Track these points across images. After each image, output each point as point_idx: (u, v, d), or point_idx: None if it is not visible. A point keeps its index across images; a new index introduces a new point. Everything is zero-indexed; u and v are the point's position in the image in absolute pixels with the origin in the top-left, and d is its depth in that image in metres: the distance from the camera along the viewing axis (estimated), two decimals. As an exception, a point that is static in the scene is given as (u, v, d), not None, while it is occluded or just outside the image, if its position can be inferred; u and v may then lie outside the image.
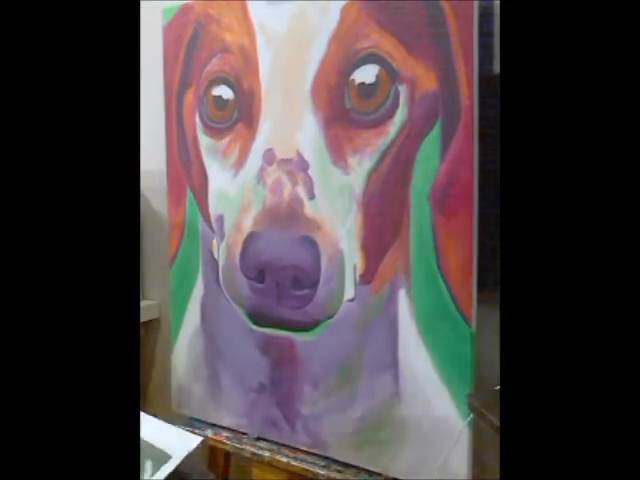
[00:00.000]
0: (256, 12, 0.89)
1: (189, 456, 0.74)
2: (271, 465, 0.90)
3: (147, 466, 0.71)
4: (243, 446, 0.93)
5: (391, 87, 0.78)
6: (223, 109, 0.93)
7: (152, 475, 0.70)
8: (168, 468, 0.70)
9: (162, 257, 1.06)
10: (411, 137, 0.77)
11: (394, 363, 0.80)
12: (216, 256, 0.96)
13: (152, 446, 0.73)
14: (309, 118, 0.84)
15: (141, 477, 0.69)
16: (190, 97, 0.98)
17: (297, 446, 0.90)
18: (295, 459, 0.88)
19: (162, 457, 0.72)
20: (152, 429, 0.75)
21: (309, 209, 0.85)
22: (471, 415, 0.72)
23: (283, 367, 0.90)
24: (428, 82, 0.75)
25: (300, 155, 0.85)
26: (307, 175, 0.85)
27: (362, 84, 0.80)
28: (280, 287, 0.87)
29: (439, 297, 0.75)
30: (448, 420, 0.76)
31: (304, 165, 0.85)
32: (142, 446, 0.72)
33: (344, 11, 0.81)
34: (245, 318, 0.93)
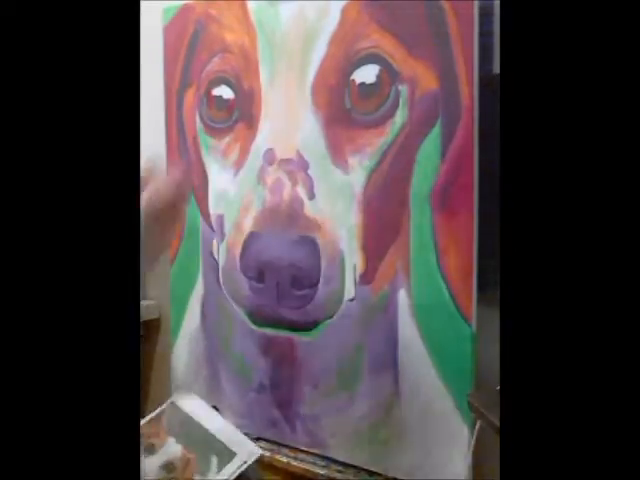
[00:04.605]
0: (256, 12, 0.89)
1: (254, 465, 0.76)
2: (271, 465, 0.90)
3: (213, 461, 0.75)
4: (243, 446, 0.93)
5: (391, 87, 0.78)
6: (223, 109, 0.93)
7: (218, 471, 0.73)
8: (233, 466, 0.73)
9: (162, 257, 1.05)
10: (411, 137, 0.77)
11: (394, 363, 0.80)
12: (216, 256, 0.96)
13: (219, 442, 0.77)
14: (309, 118, 0.84)
15: (207, 471, 0.74)
16: (190, 97, 0.98)
17: (297, 446, 0.90)
18: (295, 459, 0.88)
19: (227, 454, 0.75)
20: (218, 425, 0.79)
21: (309, 209, 0.85)
22: (478, 423, 0.71)
23: (283, 367, 0.90)
24: (428, 82, 0.75)
25: (300, 155, 0.85)
26: (307, 175, 0.85)
27: (362, 84, 0.80)
28: (280, 287, 0.87)
29: (439, 297, 0.75)
30: (448, 420, 0.76)
31: (304, 165, 0.85)
32: (209, 439, 0.77)
33: (344, 11, 0.81)
34: (245, 318, 0.93)
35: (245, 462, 0.74)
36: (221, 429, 0.78)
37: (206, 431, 0.78)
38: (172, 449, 0.76)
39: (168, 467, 0.74)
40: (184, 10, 0.98)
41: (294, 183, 0.86)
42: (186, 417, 0.80)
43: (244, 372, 0.95)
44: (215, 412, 0.82)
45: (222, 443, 0.76)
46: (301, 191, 0.85)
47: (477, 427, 0.73)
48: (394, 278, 0.79)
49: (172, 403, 0.83)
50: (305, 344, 0.87)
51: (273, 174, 0.87)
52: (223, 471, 0.73)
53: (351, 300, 0.83)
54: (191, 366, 1.02)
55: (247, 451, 0.76)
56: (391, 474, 0.81)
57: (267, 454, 0.90)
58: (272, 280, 0.88)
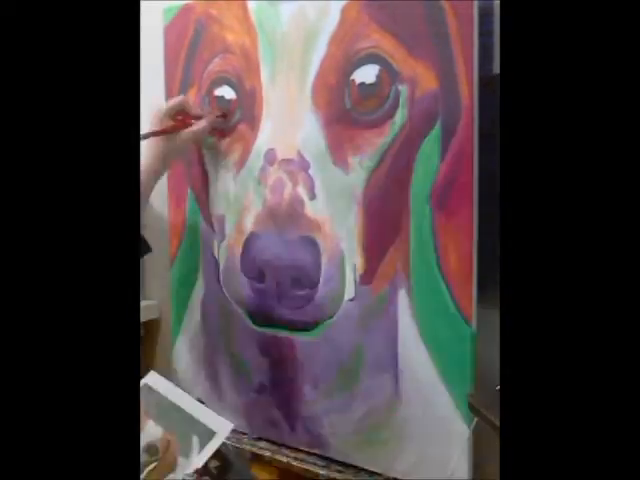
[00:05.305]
0: (256, 12, 0.89)
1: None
2: (271, 465, 0.90)
3: (194, 441, 0.73)
4: (243, 446, 0.93)
5: (391, 87, 0.78)
6: (225, 110, 0.93)
7: (200, 450, 0.72)
8: (215, 443, 0.72)
9: (162, 257, 1.05)
10: (411, 137, 0.77)
11: (394, 363, 0.80)
12: (216, 256, 0.96)
13: (197, 421, 0.75)
14: (309, 118, 0.84)
15: (189, 452, 0.72)
16: (192, 98, 0.98)
17: (297, 446, 0.90)
18: (295, 459, 0.88)
19: (207, 433, 0.74)
20: (193, 405, 0.78)
21: (310, 209, 0.85)
22: (475, 420, 0.72)
23: (283, 367, 0.90)
24: (428, 82, 0.75)
25: (301, 155, 0.85)
26: (308, 175, 0.85)
27: (362, 84, 0.80)
28: (280, 287, 0.87)
29: (439, 297, 0.75)
30: (448, 420, 0.76)
31: (305, 165, 0.85)
32: (187, 419, 0.75)
33: (344, 11, 0.81)
34: (245, 318, 0.93)
35: (226, 434, 0.73)
36: (197, 409, 0.77)
37: (183, 411, 0.77)
38: (152, 431, 0.74)
39: (150, 450, 0.72)
40: (184, 10, 0.98)
41: (295, 183, 0.86)
42: (161, 398, 0.78)
43: (244, 372, 0.95)
44: (184, 392, 0.80)
45: (201, 422, 0.75)
46: (302, 191, 0.85)
47: (477, 427, 0.73)
48: (394, 278, 0.79)
49: (146, 385, 0.80)
50: (305, 344, 0.87)
51: (274, 174, 0.87)
52: (205, 450, 0.72)
53: (351, 300, 0.83)
54: (191, 366, 1.02)
55: (224, 427, 0.74)
56: (391, 474, 0.81)
57: (267, 454, 0.90)
58: (272, 280, 0.88)
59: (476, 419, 0.70)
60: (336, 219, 0.83)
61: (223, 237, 0.95)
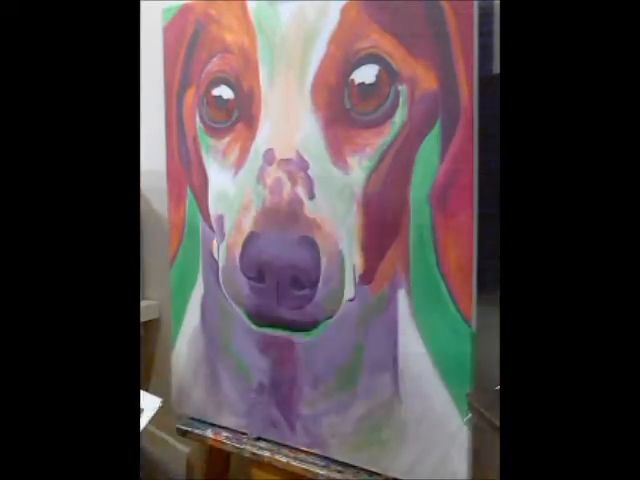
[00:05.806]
0: (256, 12, 0.89)
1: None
2: (271, 465, 0.90)
3: None
4: (243, 446, 0.93)
5: (391, 87, 0.78)
6: (223, 109, 0.93)
7: None
8: (143, 419, 0.72)
9: (162, 257, 1.06)
10: (411, 137, 0.77)
11: (394, 363, 0.80)
12: (216, 256, 0.96)
13: None
14: (309, 118, 0.84)
15: None
16: (190, 97, 0.98)
17: (297, 446, 0.90)
18: (295, 459, 0.88)
19: None
20: None
21: (309, 209, 0.85)
22: (469, 415, 0.72)
23: (283, 367, 0.90)
24: (428, 82, 0.75)
25: (300, 155, 0.85)
26: (307, 175, 0.85)
27: (362, 84, 0.80)
28: (280, 287, 0.87)
29: (439, 297, 0.75)
30: (448, 420, 0.76)
31: (304, 165, 0.85)
32: None
33: (344, 11, 0.81)
34: (245, 318, 0.93)
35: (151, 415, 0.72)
36: None
37: None
38: None
39: None
40: (184, 10, 0.98)
41: (294, 183, 0.86)
42: None
43: (244, 372, 0.95)
44: None
45: None
46: (301, 191, 0.85)
47: (477, 427, 0.73)
48: (394, 278, 0.79)
49: None
50: (305, 344, 0.87)
51: (273, 174, 0.87)
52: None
53: (351, 300, 0.83)
54: (191, 366, 1.02)
55: (150, 404, 0.73)
56: (391, 474, 0.81)
57: (267, 454, 0.90)
58: (272, 280, 0.88)
59: (470, 414, 0.70)
60: (335, 219, 0.83)
61: (222, 237, 0.95)
